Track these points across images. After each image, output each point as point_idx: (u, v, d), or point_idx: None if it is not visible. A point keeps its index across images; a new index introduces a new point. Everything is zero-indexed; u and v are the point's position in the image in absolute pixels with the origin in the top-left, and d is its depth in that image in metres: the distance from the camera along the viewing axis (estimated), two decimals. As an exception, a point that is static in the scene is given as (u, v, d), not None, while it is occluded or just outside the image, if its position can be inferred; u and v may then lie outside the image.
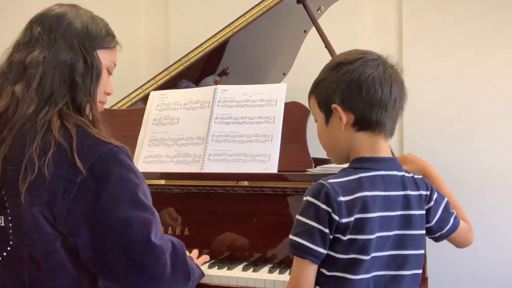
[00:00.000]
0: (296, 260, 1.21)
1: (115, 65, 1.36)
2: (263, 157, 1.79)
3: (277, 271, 1.63)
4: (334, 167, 1.68)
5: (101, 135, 1.19)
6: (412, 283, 1.27)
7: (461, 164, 2.70)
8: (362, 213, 1.19)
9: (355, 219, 1.18)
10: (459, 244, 1.40)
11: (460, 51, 2.75)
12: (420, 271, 1.28)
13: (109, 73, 1.35)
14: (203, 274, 1.49)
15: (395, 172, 1.26)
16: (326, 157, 2.09)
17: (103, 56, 1.30)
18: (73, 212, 1.12)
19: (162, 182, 1.92)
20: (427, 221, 1.31)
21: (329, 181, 1.21)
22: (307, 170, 1.71)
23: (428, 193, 1.30)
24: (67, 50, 1.23)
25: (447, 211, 1.34)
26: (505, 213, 2.67)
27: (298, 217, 1.21)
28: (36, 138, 1.14)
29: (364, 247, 1.19)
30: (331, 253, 1.20)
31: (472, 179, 2.68)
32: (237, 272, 1.64)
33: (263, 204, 1.76)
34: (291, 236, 1.21)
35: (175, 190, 1.86)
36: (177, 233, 1.81)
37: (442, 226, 1.33)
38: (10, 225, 1.16)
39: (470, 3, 2.75)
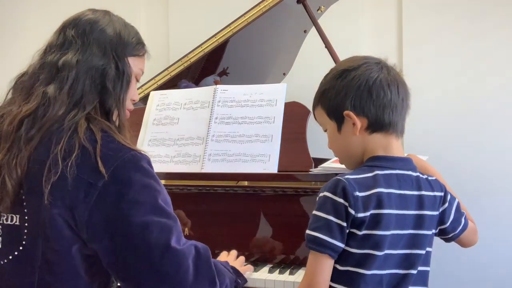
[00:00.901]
0: (314, 255, 1.22)
1: (143, 73, 1.39)
2: (263, 157, 1.79)
3: (277, 271, 1.63)
4: (335, 168, 1.68)
5: (126, 142, 1.19)
6: (419, 280, 1.29)
7: (461, 164, 2.70)
8: (378, 209, 1.21)
9: (371, 214, 1.20)
10: (464, 244, 1.43)
11: (460, 51, 2.75)
12: (428, 268, 1.31)
13: (137, 80, 1.37)
14: (244, 279, 1.47)
15: (410, 172, 1.29)
16: (326, 157, 2.10)
17: (133, 63, 1.31)
18: (94, 217, 1.12)
19: (162, 182, 1.92)
20: (443, 223, 1.33)
21: (346, 176, 1.23)
22: (309, 170, 1.71)
23: (443, 194, 1.33)
24: (100, 56, 1.25)
25: (458, 212, 1.37)
26: (506, 213, 2.67)
27: (315, 212, 1.23)
28: (62, 140, 1.14)
29: (378, 243, 1.21)
30: (345, 247, 1.22)
31: (472, 179, 2.68)
32: (237, 272, 1.64)
33: (263, 204, 1.76)
34: (308, 231, 1.22)
35: (175, 190, 1.85)
36: (177, 233, 1.81)
37: (455, 226, 1.36)
38: (26, 224, 1.16)
39: (470, 3, 2.74)
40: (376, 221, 1.21)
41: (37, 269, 1.15)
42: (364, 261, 1.21)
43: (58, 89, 1.20)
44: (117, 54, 1.27)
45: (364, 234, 1.21)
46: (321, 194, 1.24)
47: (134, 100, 1.37)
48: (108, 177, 1.12)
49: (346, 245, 1.22)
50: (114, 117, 1.26)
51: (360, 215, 1.19)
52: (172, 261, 1.15)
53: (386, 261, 1.23)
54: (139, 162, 1.17)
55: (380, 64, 1.30)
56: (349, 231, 1.21)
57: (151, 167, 1.21)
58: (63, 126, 1.17)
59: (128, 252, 1.14)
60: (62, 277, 1.15)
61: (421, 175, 1.31)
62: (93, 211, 1.12)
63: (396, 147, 1.30)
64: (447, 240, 1.39)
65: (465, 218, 1.38)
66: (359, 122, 1.27)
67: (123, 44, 1.29)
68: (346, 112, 1.28)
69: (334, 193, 1.21)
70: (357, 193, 1.20)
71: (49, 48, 1.28)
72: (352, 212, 1.19)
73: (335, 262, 1.23)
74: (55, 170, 1.11)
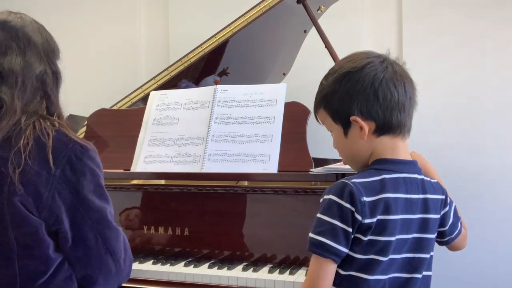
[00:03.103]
0: (316, 260, 1.19)
1: None
2: (263, 157, 1.79)
3: (277, 271, 1.63)
4: (335, 168, 1.68)
5: (75, 136, 1.30)
6: (423, 285, 1.27)
7: (461, 163, 2.70)
8: (385, 215, 1.18)
9: (378, 220, 1.18)
10: (454, 249, 1.42)
11: (460, 51, 2.75)
12: (430, 273, 1.29)
13: None
14: None
15: (415, 175, 1.26)
16: (326, 157, 2.10)
17: None
18: (55, 203, 1.22)
19: (162, 182, 1.92)
20: (442, 225, 1.32)
21: (353, 180, 1.19)
22: (309, 170, 1.71)
23: (444, 197, 1.31)
24: (38, 61, 1.31)
25: (456, 216, 1.36)
26: (506, 213, 2.67)
27: (320, 216, 1.19)
28: (22, 137, 1.23)
29: (383, 248, 1.18)
30: (349, 252, 1.20)
31: (473, 179, 2.68)
32: (237, 272, 1.64)
33: (263, 204, 1.76)
34: (312, 235, 1.19)
35: (175, 190, 1.86)
36: (177, 233, 1.81)
37: (453, 230, 1.35)
38: None
39: (470, 3, 2.75)
40: (382, 227, 1.18)
41: (16, 258, 1.22)
42: (368, 266, 1.19)
43: (10, 93, 1.26)
44: (49, 58, 1.34)
45: (369, 240, 1.18)
46: (326, 197, 1.20)
47: None
48: (63, 167, 1.23)
49: (350, 250, 1.19)
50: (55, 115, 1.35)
51: (367, 221, 1.16)
52: (117, 239, 1.32)
53: (390, 265, 1.21)
54: (88, 152, 1.28)
55: (384, 63, 1.25)
56: (354, 236, 1.18)
57: (97, 155, 1.33)
58: (20, 125, 1.24)
59: (87, 234, 1.27)
60: (41, 258, 1.23)
61: (425, 178, 1.28)
62: (55, 198, 1.22)
63: (403, 148, 1.27)
64: (441, 243, 1.38)
65: (460, 223, 1.38)
66: (367, 127, 1.23)
67: (51, 49, 1.36)
68: (353, 117, 1.23)
69: (341, 197, 1.17)
70: (364, 198, 1.17)
71: None
72: (359, 218, 1.16)
73: (338, 267, 1.21)
74: (18, 162, 1.20)
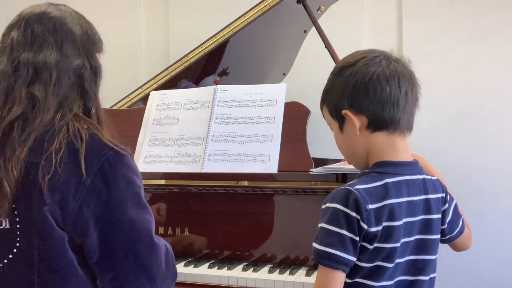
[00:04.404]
0: (325, 271, 1.15)
1: None
2: (263, 157, 1.79)
3: (277, 271, 1.63)
4: (334, 168, 1.68)
5: (109, 140, 1.21)
6: (430, 287, 1.25)
7: (461, 163, 2.69)
8: (390, 221, 1.16)
9: (383, 227, 1.15)
10: (458, 248, 1.40)
11: (460, 51, 2.75)
12: (435, 275, 1.27)
13: None
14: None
15: (417, 176, 1.24)
16: (326, 157, 2.10)
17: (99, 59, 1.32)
18: (83, 213, 1.14)
19: (162, 182, 1.92)
20: (442, 223, 1.29)
21: (356, 187, 1.16)
22: (309, 170, 1.71)
23: (444, 195, 1.29)
24: (76, 55, 1.24)
25: (456, 213, 1.33)
26: (506, 213, 2.67)
27: (325, 226, 1.16)
28: (55, 140, 1.16)
29: (389, 255, 1.16)
30: (359, 263, 1.17)
31: (473, 178, 2.68)
32: (237, 272, 1.64)
33: (263, 204, 1.76)
34: (319, 247, 1.15)
35: (175, 190, 1.86)
36: (177, 233, 1.81)
37: (453, 228, 1.32)
38: (18, 226, 1.16)
39: (470, 3, 2.74)
40: (388, 234, 1.16)
41: (36, 268, 1.16)
42: (374, 273, 1.17)
43: (44, 90, 1.19)
44: (89, 52, 1.27)
45: (375, 248, 1.16)
46: (330, 205, 1.17)
47: None
48: (95, 175, 1.15)
49: (358, 259, 1.17)
50: (93, 114, 1.28)
51: (373, 229, 1.14)
52: (153, 255, 1.21)
53: (396, 270, 1.19)
54: (123, 159, 1.19)
55: (379, 58, 1.23)
56: (360, 245, 1.16)
57: (134, 162, 1.24)
58: (54, 127, 1.18)
59: (116, 247, 1.17)
60: (61, 272, 1.17)
61: (426, 177, 1.27)
62: (83, 208, 1.14)
63: (403, 148, 1.24)
64: (443, 241, 1.35)
65: (462, 221, 1.35)
66: (358, 121, 1.21)
67: (91, 42, 1.28)
68: (344, 111, 1.22)
69: (346, 206, 1.14)
70: (370, 206, 1.14)
71: (17, 46, 1.23)
72: (365, 226, 1.14)
73: (347, 276, 1.18)
74: (48, 168, 1.13)
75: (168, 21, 3.25)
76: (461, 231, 1.34)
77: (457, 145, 2.73)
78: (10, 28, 1.26)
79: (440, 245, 1.41)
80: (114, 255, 1.17)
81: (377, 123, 1.22)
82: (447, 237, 1.33)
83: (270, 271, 1.63)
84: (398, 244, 1.17)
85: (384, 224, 1.16)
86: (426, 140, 2.69)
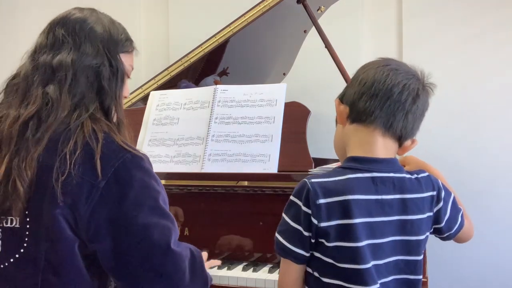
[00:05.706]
0: (282, 258, 1.21)
1: (132, 69, 1.38)
2: (263, 157, 1.79)
3: (277, 271, 1.63)
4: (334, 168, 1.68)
5: (125, 142, 1.19)
6: None
7: (461, 163, 2.70)
8: (345, 219, 1.13)
9: (338, 225, 1.13)
10: (460, 241, 1.35)
11: (460, 51, 2.75)
12: (421, 277, 1.23)
13: (128, 77, 1.36)
14: (211, 279, 1.49)
15: (390, 174, 1.19)
16: (326, 157, 2.10)
17: (124, 60, 1.30)
18: (95, 218, 1.12)
19: (162, 182, 1.91)
20: (438, 222, 1.25)
21: (312, 180, 1.15)
22: (309, 170, 1.71)
23: (435, 193, 1.23)
24: (94, 55, 1.24)
25: (455, 208, 1.28)
26: (506, 213, 2.67)
27: (283, 214, 1.19)
28: (70, 140, 1.14)
29: (354, 256, 1.13)
30: (326, 259, 1.16)
31: (473, 178, 2.68)
32: (237, 272, 1.64)
33: (263, 204, 1.76)
34: (276, 233, 1.20)
35: (175, 190, 1.86)
36: (177, 233, 1.81)
37: (451, 225, 1.28)
38: (28, 226, 1.15)
39: (470, 3, 2.75)
40: (345, 232, 1.12)
41: (40, 270, 1.14)
42: (351, 275, 1.13)
43: (58, 89, 1.19)
44: (109, 52, 1.26)
45: (335, 246, 1.13)
46: (291, 196, 1.18)
47: (125, 97, 1.38)
48: (109, 178, 1.13)
49: (325, 256, 1.15)
50: (112, 115, 1.26)
51: (323, 224, 1.12)
52: (171, 263, 1.17)
53: (378, 271, 1.15)
54: (140, 163, 1.18)
55: (389, 66, 1.21)
56: (317, 240, 1.14)
57: (151, 167, 1.22)
58: (69, 126, 1.17)
59: (129, 253, 1.14)
60: (66, 277, 1.15)
61: (407, 176, 1.21)
62: (95, 212, 1.12)
63: (382, 146, 1.19)
64: (443, 239, 1.31)
65: (461, 216, 1.29)
66: (344, 110, 1.22)
67: (114, 42, 1.28)
68: (335, 99, 1.26)
69: (300, 199, 1.15)
70: (320, 201, 1.12)
71: (40, 49, 1.25)
72: (315, 221, 1.12)
73: (320, 274, 1.17)
74: (62, 170, 1.11)
75: (168, 21, 3.26)
76: (461, 226, 1.29)
77: (457, 145, 2.73)
78: (40, 35, 1.29)
79: (441, 243, 1.41)
80: (127, 262, 1.15)
81: (352, 112, 1.21)
82: (445, 234, 1.29)
83: (270, 271, 1.63)
84: (360, 244, 1.12)
85: (338, 221, 1.13)
86: (426, 140, 2.69)
